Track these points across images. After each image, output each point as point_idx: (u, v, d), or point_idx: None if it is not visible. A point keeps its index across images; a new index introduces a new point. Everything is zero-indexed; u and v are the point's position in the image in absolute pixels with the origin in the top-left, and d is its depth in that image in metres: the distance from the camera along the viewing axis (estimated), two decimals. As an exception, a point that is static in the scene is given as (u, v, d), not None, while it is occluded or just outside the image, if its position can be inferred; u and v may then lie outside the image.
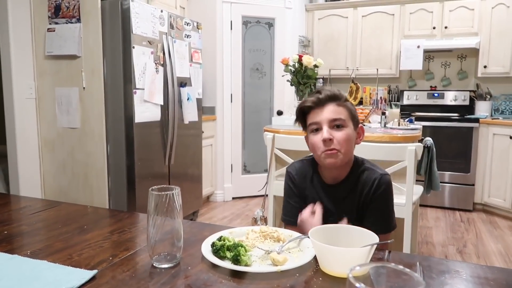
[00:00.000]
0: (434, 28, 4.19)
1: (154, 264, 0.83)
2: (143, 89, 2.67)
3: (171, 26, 2.94)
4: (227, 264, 0.81)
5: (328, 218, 1.16)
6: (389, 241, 0.96)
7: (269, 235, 0.96)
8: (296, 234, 0.97)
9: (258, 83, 4.27)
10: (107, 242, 0.97)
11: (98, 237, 1.00)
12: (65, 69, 2.68)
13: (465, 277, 0.79)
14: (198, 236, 0.99)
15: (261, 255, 0.87)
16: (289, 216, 1.29)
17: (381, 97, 3.29)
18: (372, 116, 2.89)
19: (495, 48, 3.96)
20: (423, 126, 3.24)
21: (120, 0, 2.54)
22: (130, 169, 2.66)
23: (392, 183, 1.24)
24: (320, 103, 1.17)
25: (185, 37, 3.11)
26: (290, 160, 2.10)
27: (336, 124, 1.16)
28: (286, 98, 4.27)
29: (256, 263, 0.84)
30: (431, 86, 4.55)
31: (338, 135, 1.15)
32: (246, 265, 0.81)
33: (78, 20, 2.60)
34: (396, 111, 2.87)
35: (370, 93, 4.51)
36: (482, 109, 4.18)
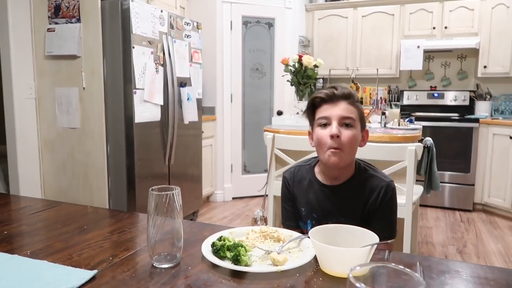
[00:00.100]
0: (434, 28, 4.19)
1: (154, 264, 0.83)
2: (143, 89, 2.67)
3: (171, 26, 2.94)
4: (227, 264, 0.80)
5: (328, 219, 1.16)
6: (389, 241, 0.96)
7: (269, 235, 0.96)
8: (296, 234, 0.97)
9: (258, 83, 4.27)
10: (107, 242, 0.97)
11: (98, 237, 1.00)
12: (65, 69, 2.68)
13: (465, 277, 0.79)
14: (198, 236, 0.99)
15: (261, 255, 0.87)
16: (289, 221, 1.28)
17: (381, 97, 3.29)
18: (372, 116, 2.89)
19: (495, 48, 3.96)
20: (423, 126, 3.24)
21: (120, 0, 2.54)
22: (130, 169, 2.66)
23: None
24: (334, 99, 1.16)
25: (185, 37, 3.11)
26: (290, 160, 2.10)
27: (345, 123, 1.14)
28: (286, 98, 4.27)
29: (256, 263, 0.83)
30: (431, 86, 4.55)
31: (346, 133, 1.14)
32: (246, 265, 0.81)
33: (78, 20, 2.60)
34: (396, 111, 2.87)
35: (370, 93, 4.50)
36: (482, 109, 4.18)
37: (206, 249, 0.87)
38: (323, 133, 1.15)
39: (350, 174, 1.21)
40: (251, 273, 0.79)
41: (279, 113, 3.17)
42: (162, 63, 2.84)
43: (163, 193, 0.81)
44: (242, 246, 0.83)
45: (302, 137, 2.13)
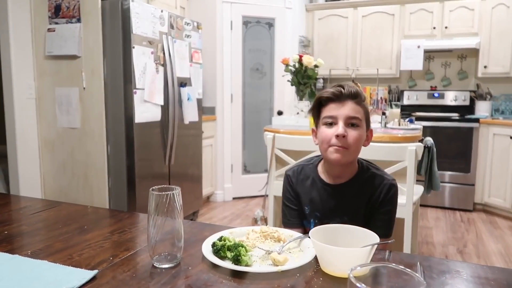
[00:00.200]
0: (434, 28, 4.19)
1: (154, 264, 0.83)
2: (143, 89, 2.67)
3: (171, 26, 2.94)
4: (228, 264, 0.80)
5: (331, 217, 1.16)
6: (389, 241, 0.96)
7: (269, 235, 0.96)
8: (296, 234, 0.97)
9: (258, 83, 4.27)
10: (107, 242, 0.97)
11: (98, 237, 1.00)
12: (65, 69, 2.68)
13: (466, 277, 0.79)
14: (198, 236, 0.99)
15: (261, 255, 0.87)
16: (291, 220, 1.27)
17: (381, 97, 3.29)
18: (372, 116, 2.89)
19: (495, 48, 3.96)
20: (423, 126, 3.24)
21: (120, 0, 2.54)
22: (130, 169, 2.66)
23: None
24: (341, 98, 1.14)
25: (185, 37, 3.11)
26: (290, 160, 2.10)
27: (351, 123, 1.14)
28: (286, 98, 4.27)
29: (257, 263, 0.83)
30: (431, 86, 4.55)
31: (352, 133, 1.13)
32: (247, 265, 0.81)
33: (78, 20, 2.60)
34: (397, 111, 2.87)
35: (370, 93, 4.51)
36: (482, 109, 4.19)
37: (206, 249, 0.87)
38: (329, 132, 1.14)
39: (353, 173, 1.21)
40: (251, 273, 0.79)
41: (279, 113, 3.18)
42: (162, 63, 2.84)
43: (163, 193, 0.81)
44: (242, 246, 0.83)
45: (302, 137, 2.13)
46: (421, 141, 2.26)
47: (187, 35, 3.14)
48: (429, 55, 4.49)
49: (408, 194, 1.91)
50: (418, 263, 0.84)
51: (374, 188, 1.20)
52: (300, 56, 2.76)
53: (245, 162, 4.29)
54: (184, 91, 3.08)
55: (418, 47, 4.15)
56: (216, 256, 0.84)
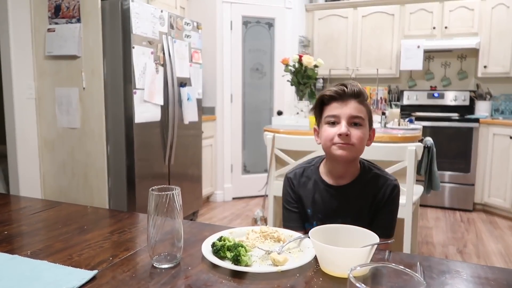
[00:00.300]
0: (434, 28, 4.19)
1: (154, 265, 0.83)
2: (143, 89, 2.67)
3: (171, 26, 2.94)
4: (228, 264, 0.80)
5: (334, 219, 1.16)
6: (390, 241, 0.96)
7: (269, 235, 0.95)
8: (296, 234, 0.97)
9: (258, 83, 4.27)
10: (107, 242, 0.97)
11: (98, 237, 1.00)
12: (65, 69, 2.68)
13: (466, 277, 0.79)
14: (198, 236, 0.99)
15: (261, 255, 0.87)
16: (292, 223, 1.25)
17: (381, 97, 3.29)
18: (372, 116, 2.89)
19: (495, 48, 3.96)
20: (423, 126, 3.25)
21: (120, 0, 2.54)
22: (130, 169, 2.66)
23: None
24: (344, 97, 1.13)
25: (185, 37, 3.11)
26: (290, 160, 2.10)
27: (354, 122, 1.13)
28: (286, 98, 4.27)
29: (257, 263, 0.83)
30: (431, 86, 4.55)
31: (355, 132, 1.12)
32: (247, 265, 0.80)
33: (78, 20, 2.60)
34: (396, 111, 2.87)
35: (370, 93, 4.51)
36: (482, 109, 4.19)
37: (206, 249, 0.86)
38: (331, 131, 1.14)
39: (355, 174, 1.21)
40: (251, 273, 0.79)
41: (279, 113, 3.18)
42: (162, 63, 2.84)
43: (163, 193, 0.81)
44: (242, 246, 0.83)
45: (302, 137, 2.13)
46: (421, 141, 2.26)
47: (187, 35, 3.14)
48: (429, 55, 4.49)
49: (408, 194, 1.91)
50: (418, 263, 0.84)
51: (377, 188, 1.19)
52: (300, 56, 2.76)
53: (245, 162, 4.29)
54: (184, 91, 3.08)
55: (418, 47, 4.16)
56: (216, 256, 0.84)
